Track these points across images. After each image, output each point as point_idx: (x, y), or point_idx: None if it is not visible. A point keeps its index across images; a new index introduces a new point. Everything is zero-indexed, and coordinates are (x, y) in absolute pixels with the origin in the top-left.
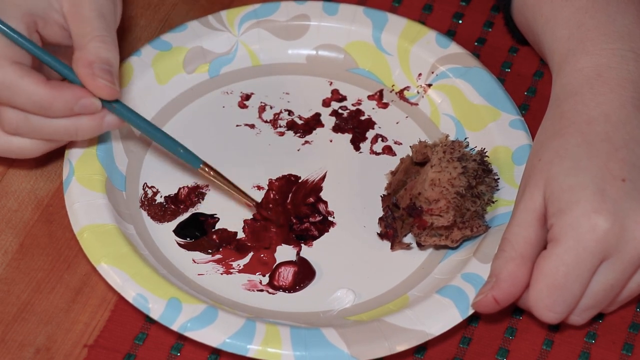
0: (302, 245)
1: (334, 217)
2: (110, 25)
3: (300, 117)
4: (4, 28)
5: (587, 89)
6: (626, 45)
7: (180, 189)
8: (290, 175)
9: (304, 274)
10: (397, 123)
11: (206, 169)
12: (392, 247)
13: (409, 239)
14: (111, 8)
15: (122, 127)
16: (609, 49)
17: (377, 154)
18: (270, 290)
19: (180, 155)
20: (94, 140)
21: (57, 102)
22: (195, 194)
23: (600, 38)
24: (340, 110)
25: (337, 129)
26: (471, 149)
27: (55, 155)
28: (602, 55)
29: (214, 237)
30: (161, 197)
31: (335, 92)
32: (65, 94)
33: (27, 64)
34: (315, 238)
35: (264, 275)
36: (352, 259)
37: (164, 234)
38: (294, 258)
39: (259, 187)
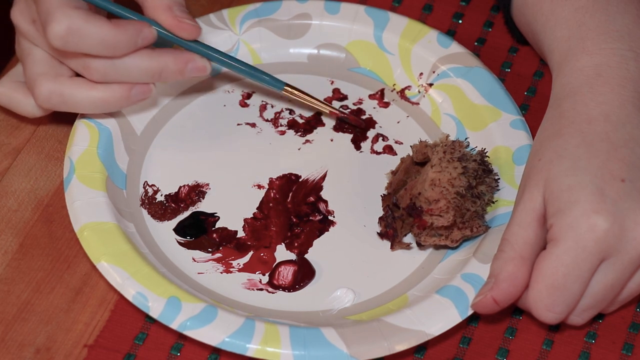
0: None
1: (334, 217)
2: None
3: (301, 116)
4: None
5: (587, 88)
6: (626, 45)
7: (180, 187)
8: (290, 174)
9: (304, 273)
10: (398, 122)
11: (289, 89)
12: (392, 247)
13: (409, 238)
14: None
15: (205, 74)
16: (609, 48)
17: (378, 153)
18: (270, 289)
19: (265, 81)
20: (95, 138)
21: (122, 38)
22: (196, 192)
23: (600, 38)
24: (341, 110)
25: (338, 128)
26: (472, 149)
27: (55, 155)
28: (602, 55)
29: (214, 235)
30: (162, 195)
31: (336, 91)
32: (128, 29)
33: (85, 9)
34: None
35: (263, 274)
36: (352, 258)
37: (164, 232)
38: (294, 257)
39: (260, 186)
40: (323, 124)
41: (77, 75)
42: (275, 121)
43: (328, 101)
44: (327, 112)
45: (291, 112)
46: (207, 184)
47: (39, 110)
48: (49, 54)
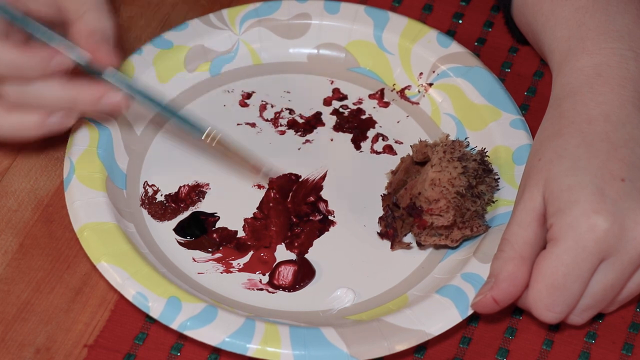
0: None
1: (334, 216)
2: None
3: (301, 116)
4: None
5: (587, 88)
6: (626, 45)
7: (180, 187)
8: (290, 174)
9: (304, 273)
10: (398, 122)
11: (209, 137)
12: (392, 247)
13: (409, 238)
14: None
15: (121, 110)
16: (609, 48)
17: (378, 153)
18: (270, 289)
19: (182, 124)
20: (95, 138)
21: (31, 62)
22: (196, 192)
23: (600, 37)
24: (341, 109)
25: (338, 128)
26: (471, 149)
27: (55, 155)
28: (602, 54)
29: (214, 235)
30: (162, 195)
31: (336, 91)
32: (38, 54)
33: None
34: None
35: (263, 274)
36: (352, 258)
37: (164, 232)
38: (294, 257)
39: (260, 186)
40: (323, 124)
41: None
42: (275, 121)
43: (328, 101)
44: (248, 168)
45: (291, 112)
46: (207, 184)
47: None
48: None
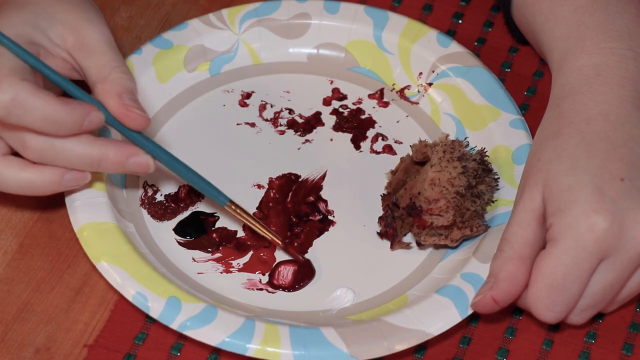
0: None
1: (334, 216)
2: (119, 53)
3: (300, 116)
4: (14, 46)
5: (586, 88)
6: (625, 45)
7: (180, 187)
8: (290, 174)
9: (304, 273)
10: (398, 122)
11: (232, 206)
12: (391, 247)
13: (408, 238)
14: (112, 36)
15: (148, 171)
16: (608, 48)
17: (378, 153)
18: (270, 289)
19: (208, 193)
20: None
21: (68, 117)
22: (196, 192)
23: (599, 37)
24: (340, 109)
25: (337, 127)
26: (471, 149)
27: None
28: (601, 54)
29: (214, 235)
30: (161, 195)
31: (335, 90)
32: (75, 109)
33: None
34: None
35: (263, 274)
36: (351, 258)
37: (164, 232)
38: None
39: (259, 186)
40: (322, 124)
41: (13, 153)
42: (274, 121)
43: (328, 101)
44: (269, 238)
45: (290, 111)
46: None
47: None
48: None
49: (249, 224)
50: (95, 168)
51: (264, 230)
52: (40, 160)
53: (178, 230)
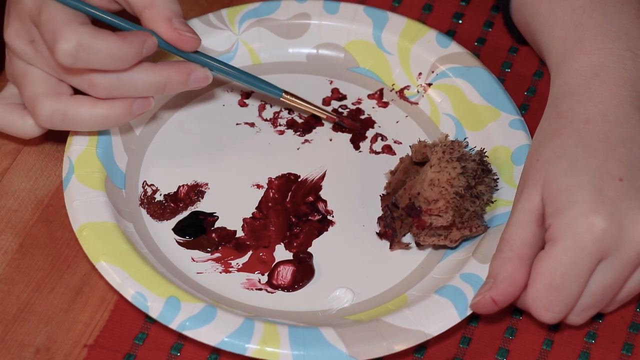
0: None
1: (333, 216)
2: None
3: (300, 116)
4: None
5: (585, 88)
6: (623, 45)
7: (179, 187)
8: (289, 174)
9: (303, 273)
10: (397, 122)
11: (288, 96)
12: (391, 247)
13: (408, 238)
14: None
15: (207, 83)
16: (607, 48)
17: (377, 153)
18: (269, 289)
19: (263, 89)
20: (94, 138)
21: (129, 50)
22: (195, 192)
23: (597, 38)
24: (340, 109)
25: (337, 127)
26: (471, 149)
27: (55, 155)
28: (599, 54)
29: (213, 235)
30: (161, 195)
31: (335, 90)
32: (133, 41)
33: (90, 25)
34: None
35: (262, 274)
36: (351, 258)
37: (164, 232)
38: (299, 256)
39: (259, 186)
40: (322, 124)
41: (77, 92)
42: (274, 121)
43: (327, 101)
44: (324, 117)
45: (290, 111)
46: (206, 184)
47: (36, 130)
48: (47, 73)
49: (306, 108)
50: (162, 91)
51: (318, 110)
52: (110, 95)
53: (177, 230)
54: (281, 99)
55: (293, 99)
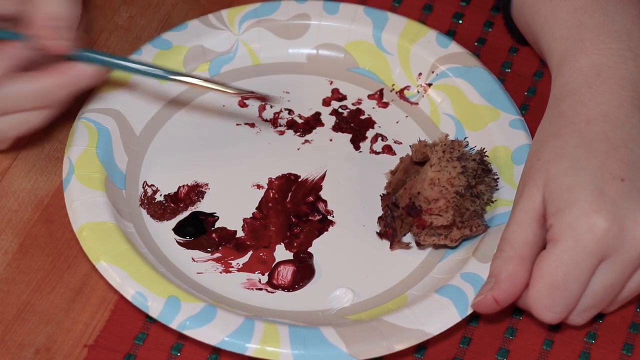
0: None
1: (333, 216)
2: None
3: (300, 116)
4: None
5: (586, 88)
6: (625, 45)
7: (180, 187)
8: (290, 174)
9: (303, 273)
10: (397, 122)
11: (177, 77)
12: (391, 247)
13: (408, 238)
14: None
15: (95, 78)
16: (608, 48)
17: (377, 153)
18: (270, 289)
19: (157, 75)
20: (94, 138)
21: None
22: (195, 192)
23: (599, 38)
24: (340, 110)
25: (337, 128)
26: (471, 149)
27: (55, 155)
28: (600, 55)
29: (214, 235)
30: (161, 195)
31: (335, 91)
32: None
33: None
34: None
35: (263, 274)
36: (351, 258)
37: (164, 232)
38: (293, 257)
39: (259, 186)
40: (322, 124)
41: None
42: (274, 121)
43: (327, 102)
44: (231, 93)
45: (290, 112)
46: (207, 184)
47: None
48: None
49: (200, 85)
50: (48, 98)
51: (218, 86)
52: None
53: (177, 230)
54: (175, 78)
55: (185, 78)
